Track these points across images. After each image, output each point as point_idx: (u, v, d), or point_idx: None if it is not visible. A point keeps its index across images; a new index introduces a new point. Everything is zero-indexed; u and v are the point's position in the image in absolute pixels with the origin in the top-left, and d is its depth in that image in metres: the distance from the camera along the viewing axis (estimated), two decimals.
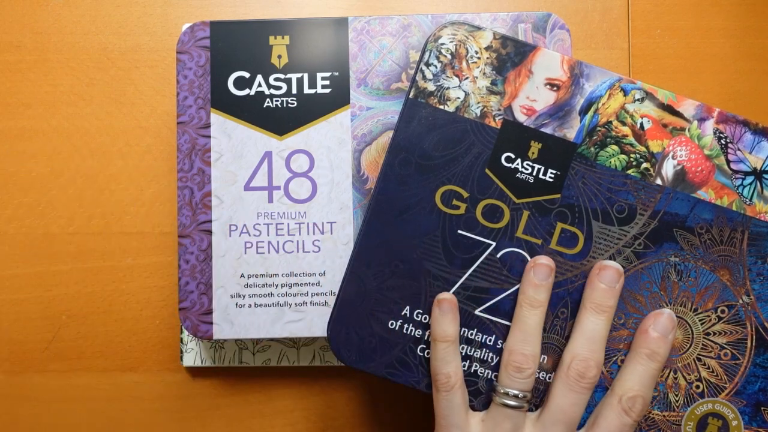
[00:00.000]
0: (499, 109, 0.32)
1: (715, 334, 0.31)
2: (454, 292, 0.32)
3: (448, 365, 0.31)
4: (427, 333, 0.32)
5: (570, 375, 0.30)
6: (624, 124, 0.32)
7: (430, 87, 0.32)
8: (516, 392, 0.30)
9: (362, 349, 0.32)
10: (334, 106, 0.36)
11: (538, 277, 0.31)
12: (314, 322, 0.35)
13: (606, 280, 0.31)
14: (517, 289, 0.32)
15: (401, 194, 0.32)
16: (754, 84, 0.43)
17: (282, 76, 0.36)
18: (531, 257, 0.32)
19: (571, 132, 0.32)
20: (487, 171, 0.32)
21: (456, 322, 0.32)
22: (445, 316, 0.31)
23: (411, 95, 0.32)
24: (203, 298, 0.36)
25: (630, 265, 0.32)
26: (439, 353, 0.31)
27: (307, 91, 0.36)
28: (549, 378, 0.32)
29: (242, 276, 0.36)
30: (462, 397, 0.31)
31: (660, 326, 0.31)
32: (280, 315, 0.35)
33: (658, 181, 0.31)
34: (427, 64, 0.32)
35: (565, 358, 0.31)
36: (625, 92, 0.32)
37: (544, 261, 0.31)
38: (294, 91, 0.36)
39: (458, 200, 0.32)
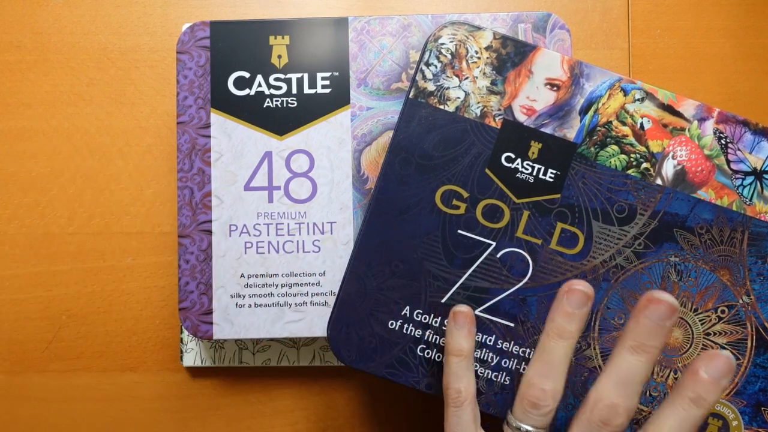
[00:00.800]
0: (499, 109, 0.32)
1: (715, 334, 0.31)
2: (454, 292, 0.32)
3: (460, 380, 0.30)
4: (426, 333, 0.32)
5: (592, 420, 0.27)
6: (624, 124, 0.32)
7: (430, 87, 0.32)
8: (529, 428, 0.28)
9: (362, 349, 0.32)
10: (334, 106, 0.36)
11: (572, 305, 0.28)
12: (314, 322, 0.35)
13: (654, 316, 0.27)
14: (518, 289, 0.32)
15: (401, 194, 0.32)
16: (754, 84, 0.43)
17: (282, 76, 0.36)
18: (531, 257, 0.32)
19: (571, 132, 0.32)
20: (487, 171, 0.32)
21: (471, 337, 0.30)
22: (461, 330, 0.30)
23: (411, 95, 0.32)
24: (203, 298, 0.35)
25: (630, 265, 0.32)
26: (451, 367, 0.30)
27: (307, 91, 0.36)
28: None
29: (242, 276, 0.36)
30: (472, 413, 0.30)
31: (713, 369, 0.26)
32: (280, 315, 0.35)
33: (658, 181, 0.31)
34: (427, 64, 0.32)
35: (590, 397, 0.27)
36: (625, 92, 0.32)
37: (581, 287, 0.28)
38: (294, 91, 0.36)
39: (458, 200, 0.32)
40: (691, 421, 0.26)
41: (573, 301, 0.28)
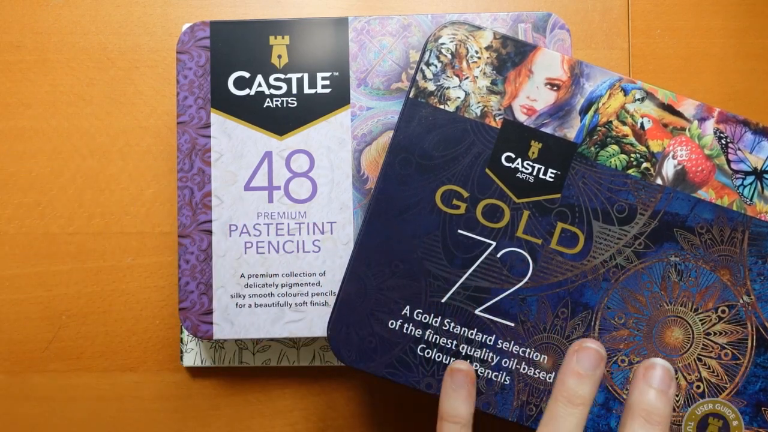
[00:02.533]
0: (500, 109, 0.32)
1: (715, 334, 0.31)
2: (454, 292, 0.32)
3: None
4: (427, 332, 0.32)
5: None
6: (624, 123, 0.32)
7: (431, 87, 0.32)
8: None
9: (362, 349, 0.32)
10: (334, 106, 0.36)
11: (583, 365, 0.25)
12: (314, 322, 0.35)
13: (656, 382, 0.25)
14: (518, 289, 0.32)
15: (401, 194, 0.32)
16: (754, 84, 0.43)
17: (282, 76, 0.36)
18: (531, 257, 0.32)
19: (571, 132, 0.32)
20: (487, 171, 0.32)
21: (471, 400, 0.26)
22: (458, 392, 0.26)
23: (411, 95, 0.32)
24: (203, 298, 0.35)
25: (630, 265, 0.32)
26: None
27: (307, 91, 0.36)
28: (549, 378, 0.32)
29: (242, 276, 0.36)
30: None
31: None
32: (280, 315, 0.35)
33: (659, 181, 0.31)
34: (428, 64, 0.32)
35: None
36: (626, 92, 0.32)
37: (593, 345, 0.25)
38: (294, 91, 0.36)
39: (458, 200, 0.32)
40: None
41: (584, 361, 0.25)
